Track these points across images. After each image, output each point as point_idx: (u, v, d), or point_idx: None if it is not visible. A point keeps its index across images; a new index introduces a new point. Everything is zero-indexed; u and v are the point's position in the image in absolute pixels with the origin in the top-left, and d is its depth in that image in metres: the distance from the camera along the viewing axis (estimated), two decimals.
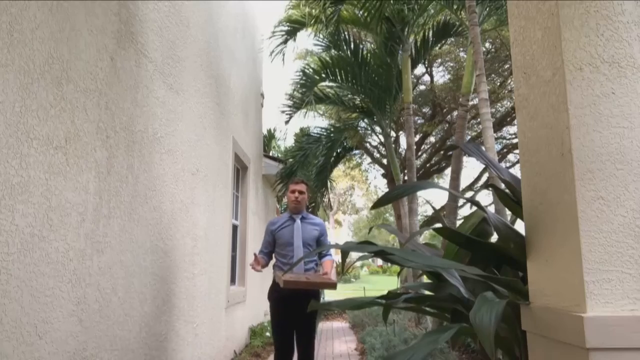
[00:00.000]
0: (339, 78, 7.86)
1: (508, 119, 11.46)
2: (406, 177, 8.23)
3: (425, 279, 3.17)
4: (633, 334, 1.18)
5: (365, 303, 2.30)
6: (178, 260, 3.79)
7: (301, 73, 8.07)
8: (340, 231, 36.67)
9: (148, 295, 3.17)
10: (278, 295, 3.61)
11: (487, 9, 6.18)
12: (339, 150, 9.95)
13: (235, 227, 6.67)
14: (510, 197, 1.98)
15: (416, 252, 1.87)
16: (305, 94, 7.92)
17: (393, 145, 8.94)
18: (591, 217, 1.26)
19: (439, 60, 11.24)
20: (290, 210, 3.88)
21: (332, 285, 3.40)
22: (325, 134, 9.22)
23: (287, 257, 3.70)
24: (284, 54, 7.82)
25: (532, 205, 1.56)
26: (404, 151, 10.61)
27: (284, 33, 7.83)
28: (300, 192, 3.84)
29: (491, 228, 2.20)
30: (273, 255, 3.90)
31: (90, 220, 2.43)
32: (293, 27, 7.84)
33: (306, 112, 8.52)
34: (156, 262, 3.32)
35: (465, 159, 6.88)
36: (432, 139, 12.93)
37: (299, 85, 8.19)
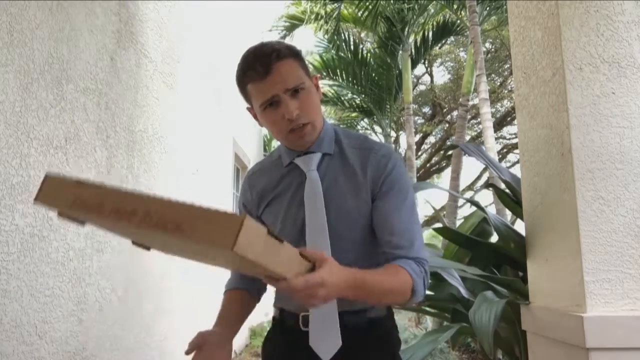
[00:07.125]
0: (339, 78, 7.87)
1: (508, 119, 11.47)
2: None
3: None
4: (633, 334, 1.18)
5: None
6: (178, 259, 3.79)
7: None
8: None
9: (148, 295, 3.17)
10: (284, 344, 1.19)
11: (487, 9, 6.19)
12: None
13: None
14: (510, 197, 1.98)
15: None
16: None
17: (393, 145, 8.94)
18: (591, 217, 1.26)
19: (439, 60, 11.26)
20: (291, 147, 1.17)
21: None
22: None
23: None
24: None
25: (532, 205, 1.56)
26: (404, 151, 10.61)
27: (283, 28, 7.82)
28: (296, 90, 1.03)
29: (491, 228, 2.20)
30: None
31: None
32: (292, 23, 7.83)
33: None
34: (156, 261, 3.32)
35: (465, 159, 6.88)
36: (432, 139, 12.95)
37: None
